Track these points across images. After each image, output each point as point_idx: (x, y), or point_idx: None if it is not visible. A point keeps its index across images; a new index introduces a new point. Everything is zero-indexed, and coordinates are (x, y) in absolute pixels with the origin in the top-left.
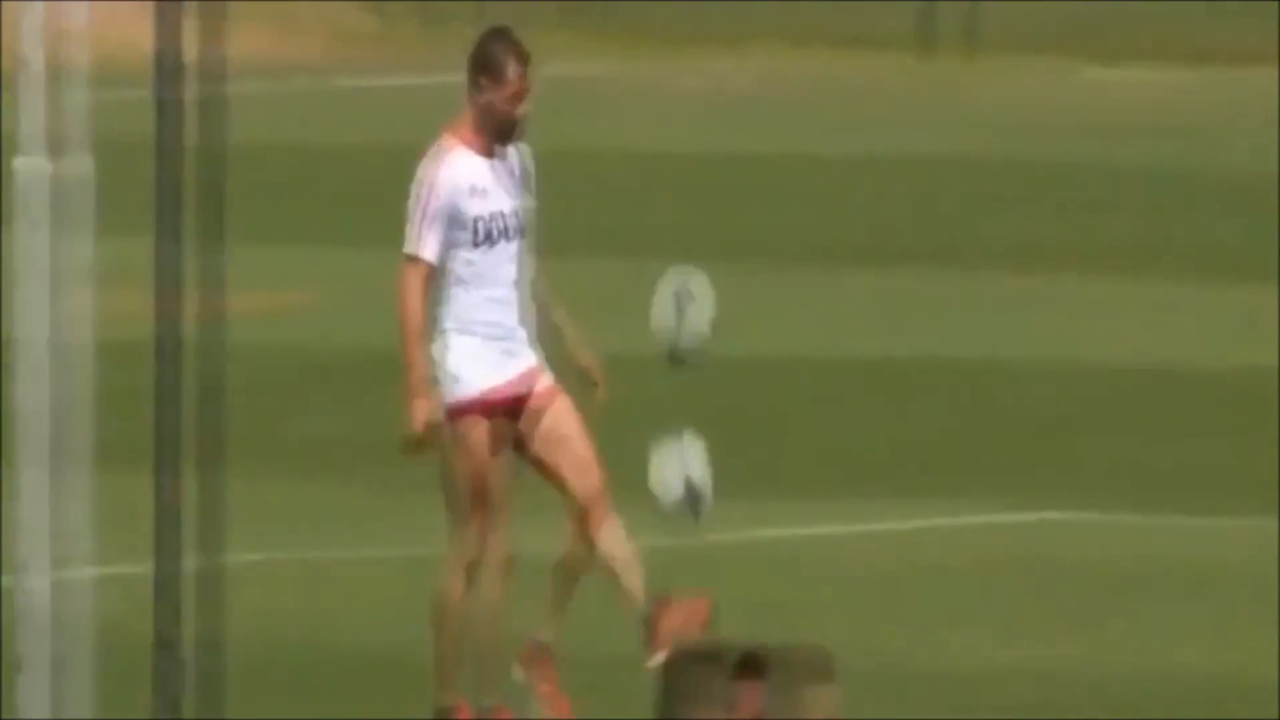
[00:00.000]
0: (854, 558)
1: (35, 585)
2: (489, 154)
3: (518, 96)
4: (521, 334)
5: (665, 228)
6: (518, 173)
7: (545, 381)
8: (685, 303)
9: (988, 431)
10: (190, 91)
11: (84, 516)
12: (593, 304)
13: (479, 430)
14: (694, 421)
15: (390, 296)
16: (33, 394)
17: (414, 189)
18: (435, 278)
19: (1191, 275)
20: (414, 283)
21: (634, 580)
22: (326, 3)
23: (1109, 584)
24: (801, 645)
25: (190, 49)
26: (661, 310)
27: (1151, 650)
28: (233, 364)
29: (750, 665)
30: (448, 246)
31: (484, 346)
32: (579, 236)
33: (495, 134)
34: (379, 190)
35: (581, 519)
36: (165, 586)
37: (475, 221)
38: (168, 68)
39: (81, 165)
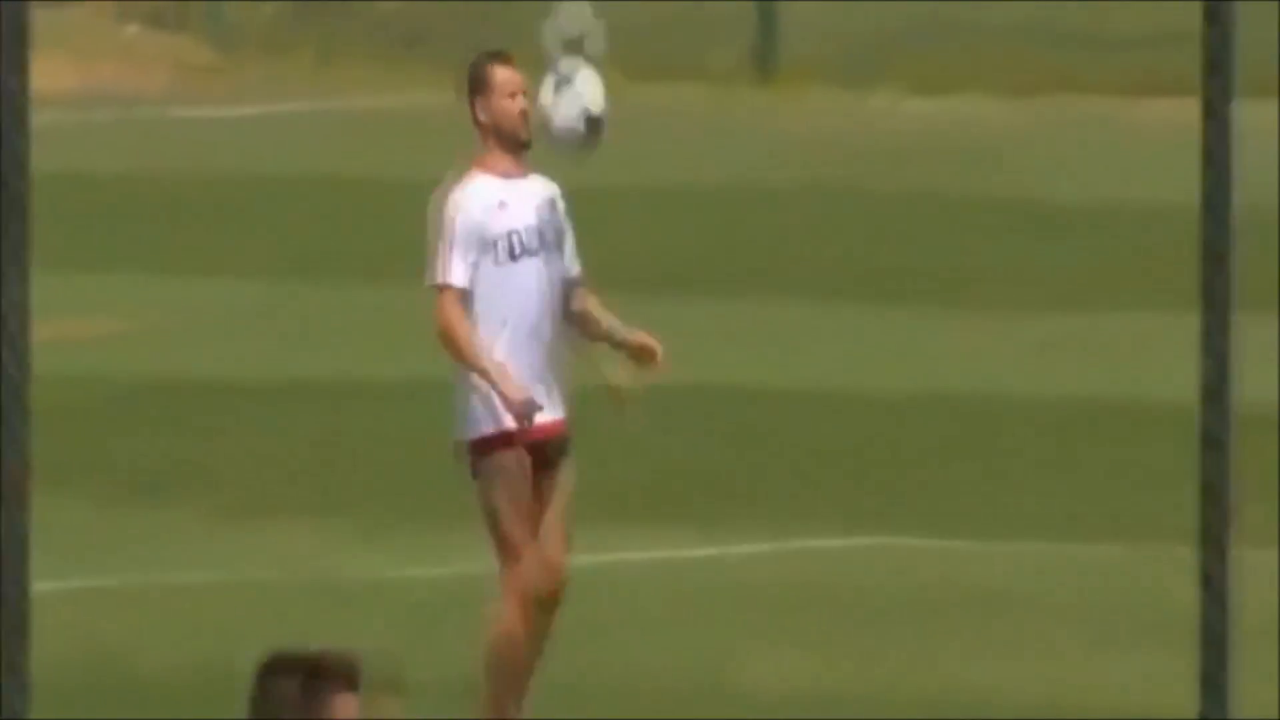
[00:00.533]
0: (662, 582)
1: None
2: (508, 175)
3: (512, 94)
4: (550, 378)
5: None
6: (544, 196)
7: (563, 443)
8: (563, 87)
9: (778, 460)
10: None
11: None
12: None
13: (510, 460)
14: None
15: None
16: None
17: (436, 220)
18: (468, 301)
19: (1000, 303)
20: (451, 309)
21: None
22: (170, 36)
23: (910, 609)
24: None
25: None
26: (544, 90)
27: (946, 673)
28: (43, 391)
29: (344, 675)
30: (474, 267)
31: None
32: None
33: (509, 145)
34: (196, 217)
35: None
36: None
37: (498, 239)
38: None
39: None
